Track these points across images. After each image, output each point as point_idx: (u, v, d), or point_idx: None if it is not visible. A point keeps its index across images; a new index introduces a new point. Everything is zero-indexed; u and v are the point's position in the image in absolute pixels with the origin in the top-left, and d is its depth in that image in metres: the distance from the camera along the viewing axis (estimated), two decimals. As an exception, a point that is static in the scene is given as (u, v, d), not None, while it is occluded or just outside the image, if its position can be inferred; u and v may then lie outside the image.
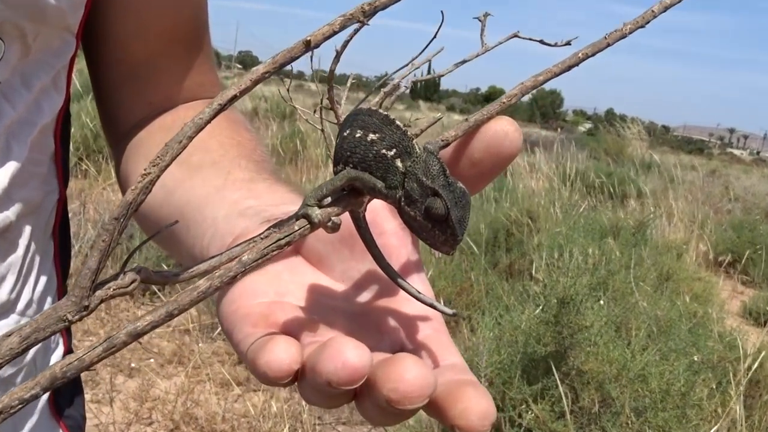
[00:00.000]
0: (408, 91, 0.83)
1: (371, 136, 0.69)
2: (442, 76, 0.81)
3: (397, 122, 0.68)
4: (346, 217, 0.71)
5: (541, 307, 3.56)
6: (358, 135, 0.70)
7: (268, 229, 0.65)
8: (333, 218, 0.67)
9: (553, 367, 3.20)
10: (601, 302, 3.49)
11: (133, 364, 4.39)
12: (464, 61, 0.79)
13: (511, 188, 8.35)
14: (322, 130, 0.87)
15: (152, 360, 4.49)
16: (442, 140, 0.71)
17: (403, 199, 0.67)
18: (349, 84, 0.84)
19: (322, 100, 0.81)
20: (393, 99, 0.81)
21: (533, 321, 3.49)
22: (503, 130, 0.68)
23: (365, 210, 0.72)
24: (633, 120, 17.44)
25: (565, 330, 3.36)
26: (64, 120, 0.97)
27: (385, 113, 0.69)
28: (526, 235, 6.52)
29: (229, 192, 0.91)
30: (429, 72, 0.90)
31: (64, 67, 0.90)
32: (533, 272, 5.22)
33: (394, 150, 0.69)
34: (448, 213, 0.65)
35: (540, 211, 7.12)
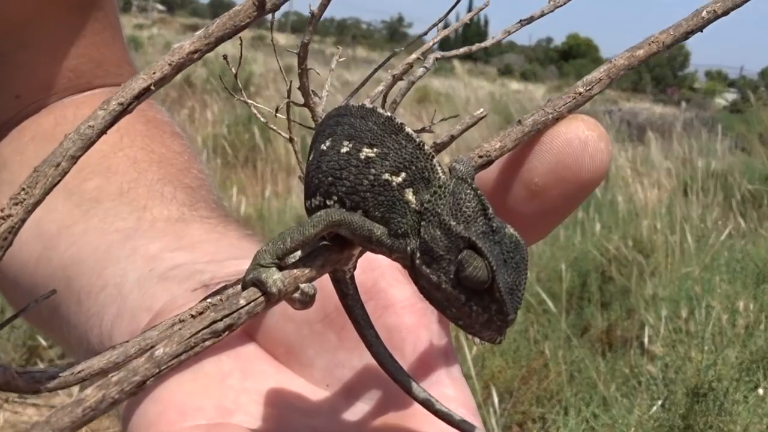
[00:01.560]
0: (435, 59, 0.75)
1: (366, 152, 0.60)
2: (499, 41, 0.73)
3: (408, 129, 0.60)
4: (325, 282, 0.62)
5: (661, 402, 2.86)
6: (344, 150, 0.61)
7: (203, 300, 0.60)
8: (302, 286, 0.59)
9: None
10: (760, 391, 2.75)
11: None
12: (531, 19, 0.71)
13: (606, 202, 6.84)
14: (291, 140, 0.74)
15: None
16: (480, 155, 0.62)
17: (418, 254, 0.57)
18: (335, 61, 0.76)
19: (290, 91, 0.71)
20: (411, 82, 0.72)
21: (649, 425, 2.76)
22: (580, 137, 0.58)
23: (354, 268, 0.63)
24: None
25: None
26: None
27: (389, 114, 0.61)
28: (635, 280, 5.34)
29: (145, 241, 0.81)
30: (473, 27, 0.73)
31: None
32: (646, 342, 4.23)
33: (404, 175, 0.59)
34: (493, 278, 0.54)
35: (655, 241, 5.82)
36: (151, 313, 0.74)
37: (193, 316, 0.60)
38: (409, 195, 0.59)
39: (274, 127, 0.78)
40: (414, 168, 0.60)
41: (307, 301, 0.60)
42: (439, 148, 0.70)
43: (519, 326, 4.41)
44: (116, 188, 0.93)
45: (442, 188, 0.59)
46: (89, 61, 1.03)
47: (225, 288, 0.65)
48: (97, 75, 1.05)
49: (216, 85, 12.08)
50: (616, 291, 5.10)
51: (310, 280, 0.60)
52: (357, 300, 0.65)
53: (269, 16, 0.58)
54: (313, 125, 0.71)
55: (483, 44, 0.78)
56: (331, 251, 0.62)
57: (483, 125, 11.56)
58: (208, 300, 0.61)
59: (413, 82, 0.76)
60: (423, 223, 0.59)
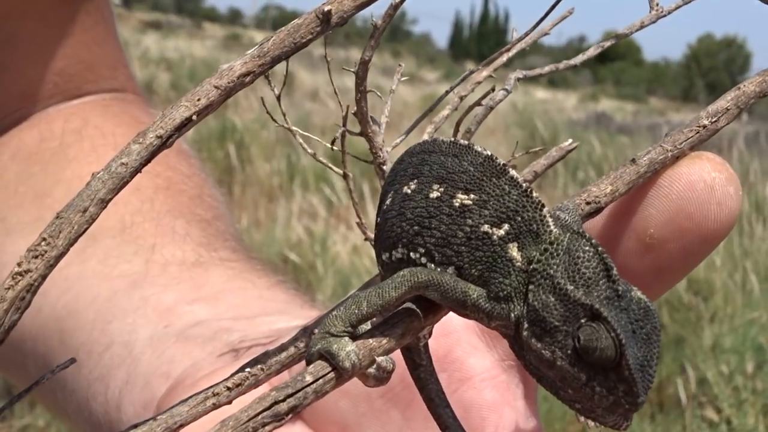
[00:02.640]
0: (516, 80, 0.81)
1: (461, 198, 0.59)
2: (604, 47, 0.78)
3: (512, 172, 0.59)
4: (397, 356, 0.58)
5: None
6: (434, 194, 0.60)
7: (240, 370, 0.58)
8: (379, 359, 0.57)
9: None
10: None
11: None
12: (642, 26, 0.75)
13: None
14: (346, 176, 0.75)
15: None
16: (588, 202, 0.61)
17: (525, 324, 0.56)
18: (396, 81, 0.78)
19: (345, 117, 0.71)
20: (490, 108, 0.75)
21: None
22: (705, 180, 0.56)
23: (429, 334, 0.63)
24: None
25: None
26: None
27: (488, 153, 0.60)
28: (692, 327, 5.27)
29: (157, 289, 0.77)
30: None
31: None
32: (704, 401, 4.15)
33: (507, 227, 0.58)
34: (621, 353, 0.53)
35: (714, 280, 5.69)
36: (169, 380, 0.73)
37: (229, 389, 0.59)
38: (514, 251, 0.58)
39: (327, 163, 0.77)
40: (520, 219, 0.59)
41: (383, 377, 0.59)
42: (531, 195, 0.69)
43: None
44: (117, 222, 0.90)
45: (555, 244, 0.57)
46: (79, 62, 1.02)
47: (267, 355, 0.62)
48: (87, 79, 1.04)
49: (183, 93, 12.07)
50: (668, 341, 5.05)
51: (389, 352, 0.59)
52: (431, 372, 0.64)
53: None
54: (373, 160, 0.71)
55: (583, 57, 0.82)
56: (413, 317, 0.61)
57: (503, 142, 11.57)
58: (247, 369, 0.60)
59: (492, 108, 0.76)
60: (531, 286, 0.57)
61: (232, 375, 0.60)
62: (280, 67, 0.66)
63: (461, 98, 0.76)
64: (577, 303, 0.55)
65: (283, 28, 0.54)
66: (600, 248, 0.56)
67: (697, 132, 0.62)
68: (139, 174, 1.00)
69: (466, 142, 0.62)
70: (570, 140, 0.71)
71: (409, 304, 0.61)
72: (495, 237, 0.58)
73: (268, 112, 0.78)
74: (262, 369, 0.60)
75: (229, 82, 0.53)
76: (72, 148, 1.17)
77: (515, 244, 0.58)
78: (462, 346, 0.65)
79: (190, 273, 0.86)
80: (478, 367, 0.65)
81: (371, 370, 0.59)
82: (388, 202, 0.63)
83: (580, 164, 10.60)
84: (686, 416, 4.17)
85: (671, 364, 4.82)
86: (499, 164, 0.60)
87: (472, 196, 0.59)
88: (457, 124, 0.75)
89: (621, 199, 0.61)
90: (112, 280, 0.84)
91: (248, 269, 0.89)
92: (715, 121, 0.62)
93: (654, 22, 0.74)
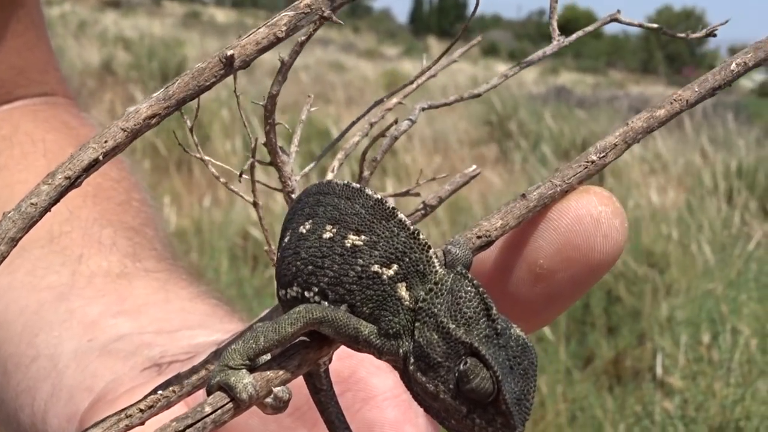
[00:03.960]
0: (421, 109, 0.83)
1: (353, 239, 0.62)
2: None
3: (401, 215, 0.62)
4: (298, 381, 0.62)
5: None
6: (327, 235, 0.63)
7: (153, 393, 0.62)
8: (275, 390, 0.61)
9: None
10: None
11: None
12: (545, 55, 0.85)
13: None
14: (256, 204, 0.78)
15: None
16: (479, 236, 0.64)
17: (412, 359, 0.59)
18: (305, 112, 0.80)
19: (254, 149, 0.76)
20: (395, 138, 0.80)
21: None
22: (592, 214, 0.59)
23: (329, 360, 0.66)
24: None
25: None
26: None
27: (378, 195, 0.64)
28: (647, 300, 5.28)
29: (83, 302, 0.80)
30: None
31: None
32: (660, 373, 4.15)
33: (396, 267, 0.61)
34: (498, 389, 0.56)
35: (670, 253, 5.74)
36: (92, 393, 0.74)
37: (141, 411, 0.61)
38: (402, 290, 0.61)
39: (234, 189, 0.80)
40: (408, 260, 0.62)
41: (280, 407, 0.62)
42: (426, 212, 0.73)
43: None
44: (46, 232, 0.91)
45: (439, 284, 0.61)
46: (10, 68, 1.03)
47: (179, 377, 0.66)
48: (18, 84, 1.05)
49: (143, 73, 12.00)
50: (625, 314, 5.07)
51: (285, 382, 0.62)
52: (331, 397, 0.68)
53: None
54: (282, 191, 0.74)
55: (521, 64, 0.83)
56: (309, 349, 0.63)
57: (464, 117, 11.60)
58: (159, 392, 0.63)
59: (396, 138, 0.79)
60: (418, 323, 0.60)
61: (145, 397, 0.62)
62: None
63: (371, 125, 0.79)
64: (458, 341, 0.58)
65: (188, 71, 0.57)
66: (481, 288, 0.60)
67: (586, 167, 0.65)
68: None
69: (359, 186, 0.65)
70: (474, 166, 0.75)
71: (304, 337, 0.64)
72: (385, 277, 0.62)
73: (186, 150, 0.82)
74: (174, 391, 0.63)
75: (135, 125, 0.55)
76: (2, 155, 1.19)
77: (404, 284, 0.61)
78: (365, 366, 0.70)
79: (115, 285, 0.87)
80: (381, 387, 0.70)
81: (269, 399, 0.62)
82: (286, 240, 0.67)
83: (539, 139, 10.66)
84: (643, 387, 4.20)
85: (628, 336, 4.87)
86: (389, 208, 0.63)
87: (363, 237, 0.62)
88: (363, 154, 0.78)
89: (514, 231, 0.64)
90: (39, 292, 0.86)
91: (173, 279, 0.91)
92: (603, 156, 0.65)
93: (555, 51, 0.83)
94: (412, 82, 0.85)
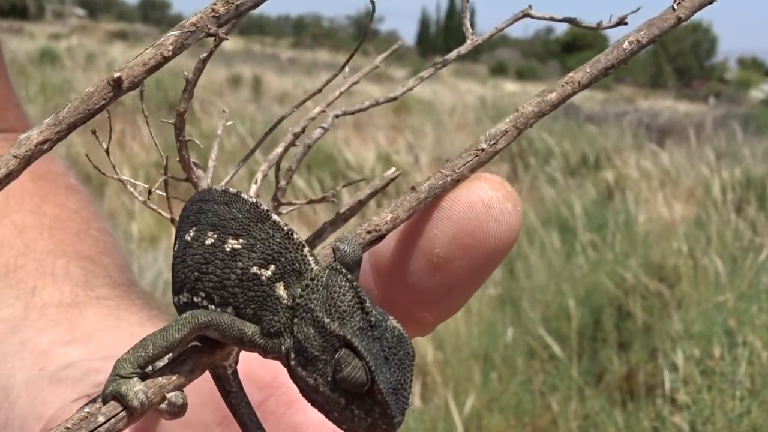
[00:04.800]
0: (335, 116, 0.82)
1: (231, 244, 0.64)
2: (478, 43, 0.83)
3: (275, 217, 0.64)
4: (206, 384, 0.64)
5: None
6: (209, 241, 0.65)
7: (80, 410, 0.60)
8: (169, 396, 0.61)
9: None
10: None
11: None
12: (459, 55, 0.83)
13: (621, 222, 6.59)
14: (173, 220, 0.76)
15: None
16: (369, 231, 0.65)
17: (293, 355, 0.61)
18: (221, 128, 0.83)
19: (166, 167, 0.77)
20: (308, 146, 0.82)
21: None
22: (483, 200, 0.59)
23: (236, 362, 0.67)
24: None
25: None
26: None
27: (254, 200, 0.65)
28: (657, 315, 5.19)
29: (35, 333, 0.81)
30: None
31: None
32: (667, 388, 4.04)
33: (273, 267, 0.63)
34: (372, 379, 0.58)
35: (681, 267, 5.61)
36: (42, 420, 0.76)
37: (68, 429, 0.61)
38: (281, 290, 0.63)
39: (153, 206, 0.80)
40: (284, 259, 0.63)
41: (176, 411, 0.64)
42: (346, 216, 0.74)
43: (521, 377, 4.32)
44: (2, 266, 0.92)
45: (315, 280, 0.62)
46: None
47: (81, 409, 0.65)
48: None
49: (149, 104, 12.07)
50: (636, 329, 4.99)
51: (179, 387, 0.63)
52: (242, 398, 0.69)
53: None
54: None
55: (456, 54, 0.83)
56: (202, 353, 0.65)
57: (473, 136, 11.60)
58: (86, 410, 0.63)
59: (309, 146, 0.80)
60: (296, 320, 0.62)
61: (73, 416, 0.62)
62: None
63: (295, 135, 0.80)
64: (332, 334, 0.59)
65: (78, 97, 0.57)
66: (355, 283, 0.61)
67: (476, 155, 0.64)
68: (26, 213, 0.95)
69: (235, 191, 0.67)
70: (393, 169, 0.75)
71: (197, 342, 0.66)
72: (263, 278, 0.63)
73: (102, 173, 0.82)
74: (99, 408, 0.61)
75: (27, 151, 0.55)
76: None
77: (282, 283, 0.63)
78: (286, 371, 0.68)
79: (66, 315, 0.88)
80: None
81: (163, 405, 0.63)
82: (175, 248, 0.68)
83: (549, 156, 10.64)
84: (656, 402, 4.12)
85: (640, 351, 4.81)
86: (263, 210, 0.65)
87: (241, 241, 0.64)
88: (278, 163, 0.80)
89: (409, 223, 0.64)
90: None
91: (124, 305, 0.91)
92: (494, 143, 0.65)
93: (469, 50, 0.84)
94: (320, 90, 0.85)
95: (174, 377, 0.63)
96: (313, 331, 0.60)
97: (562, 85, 0.70)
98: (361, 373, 0.58)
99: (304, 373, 0.61)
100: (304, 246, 0.64)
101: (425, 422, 3.97)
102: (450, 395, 4.07)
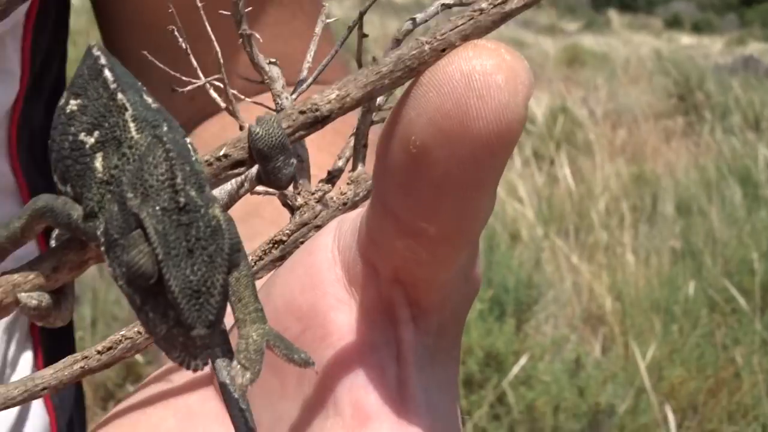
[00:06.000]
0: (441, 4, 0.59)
1: (72, 104, 0.54)
2: None
3: (107, 72, 0.54)
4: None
5: None
6: (61, 101, 0.55)
7: None
8: (22, 296, 0.54)
9: None
10: None
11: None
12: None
13: None
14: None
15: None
16: (302, 111, 0.51)
17: (102, 239, 0.50)
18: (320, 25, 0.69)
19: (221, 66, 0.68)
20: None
21: None
22: (462, 70, 0.44)
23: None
24: None
25: None
26: (20, 122, 0.95)
27: (98, 52, 0.55)
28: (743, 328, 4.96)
29: None
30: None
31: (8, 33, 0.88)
32: None
33: (97, 134, 0.53)
34: (160, 270, 0.46)
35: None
36: None
37: (99, 353, 0.57)
38: (98, 161, 0.52)
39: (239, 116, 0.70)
40: (107, 125, 0.52)
41: (33, 314, 0.54)
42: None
43: (703, 329, 4.20)
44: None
45: (132, 149, 0.51)
46: (277, 54, 0.95)
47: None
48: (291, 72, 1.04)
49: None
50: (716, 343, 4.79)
51: (38, 288, 0.54)
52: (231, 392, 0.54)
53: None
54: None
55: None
56: (69, 250, 0.55)
57: (647, 91, 11.36)
58: (121, 333, 0.58)
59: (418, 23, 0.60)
60: (107, 197, 0.51)
61: (106, 339, 0.56)
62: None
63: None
64: (129, 212, 0.47)
65: None
66: (173, 154, 0.48)
67: (471, 18, 0.46)
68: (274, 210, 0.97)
69: (95, 42, 0.57)
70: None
71: (69, 236, 0.56)
72: (87, 146, 0.52)
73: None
74: (140, 332, 0.55)
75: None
76: None
77: (101, 154, 0.52)
78: (327, 299, 0.56)
79: None
80: (339, 322, 0.56)
81: (31, 303, 0.54)
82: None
83: (727, 111, 10.31)
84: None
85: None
86: (99, 65, 0.54)
87: (78, 101, 0.54)
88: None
89: (394, 110, 0.48)
90: None
91: None
92: (501, 2, 0.46)
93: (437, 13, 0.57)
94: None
95: (32, 275, 0.54)
96: (116, 209, 0.49)
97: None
98: (146, 260, 0.46)
99: (107, 261, 0.49)
100: (126, 109, 0.52)
101: (605, 371, 3.93)
102: (633, 344, 4.02)
